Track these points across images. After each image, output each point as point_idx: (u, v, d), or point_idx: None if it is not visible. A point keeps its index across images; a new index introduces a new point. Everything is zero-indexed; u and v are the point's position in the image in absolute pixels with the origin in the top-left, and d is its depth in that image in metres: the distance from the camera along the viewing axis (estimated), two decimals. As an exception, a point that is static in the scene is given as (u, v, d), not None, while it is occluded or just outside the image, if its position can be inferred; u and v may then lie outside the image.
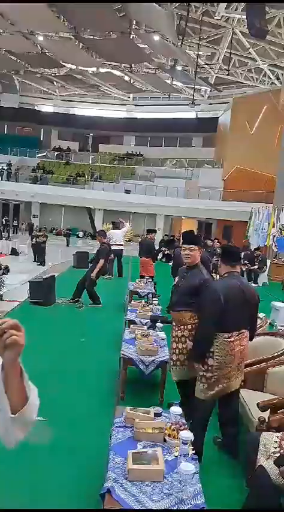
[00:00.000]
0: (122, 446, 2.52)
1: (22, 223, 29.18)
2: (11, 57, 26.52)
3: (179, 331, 3.72)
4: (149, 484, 2.19)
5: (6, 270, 10.93)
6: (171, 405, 3.04)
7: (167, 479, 2.24)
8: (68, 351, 6.00)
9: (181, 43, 21.50)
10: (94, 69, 27.99)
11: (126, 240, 19.10)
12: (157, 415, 2.90)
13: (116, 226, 12.73)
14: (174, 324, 3.83)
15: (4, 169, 29.83)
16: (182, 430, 2.60)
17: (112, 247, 10.71)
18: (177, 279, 3.78)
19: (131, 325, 5.42)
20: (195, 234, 4.24)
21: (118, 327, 7.04)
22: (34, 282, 8.77)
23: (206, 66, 26.20)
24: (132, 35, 22.04)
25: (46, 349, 6.04)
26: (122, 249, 11.86)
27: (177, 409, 2.83)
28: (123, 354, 4.36)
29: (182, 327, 3.70)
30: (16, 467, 3.21)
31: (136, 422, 2.69)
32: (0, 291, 10.51)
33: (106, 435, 3.56)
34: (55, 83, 32.39)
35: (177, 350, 3.73)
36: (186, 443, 2.37)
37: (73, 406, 4.32)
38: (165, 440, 2.62)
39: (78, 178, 29.78)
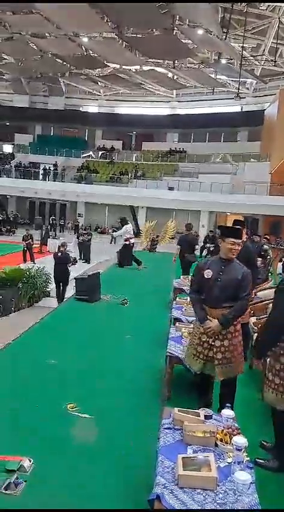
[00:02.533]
0: (171, 450, 2.39)
1: (68, 223, 29.82)
2: (57, 60, 27.15)
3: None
4: (201, 492, 2.05)
5: (75, 261, 11.28)
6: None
7: (220, 487, 2.09)
8: (113, 348, 5.95)
9: (226, 36, 21.00)
10: (137, 67, 28.02)
11: (170, 238, 19.00)
12: (207, 417, 2.74)
13: (125, 222, 12.94)
14: (209, 318, 3.60)
15: (51, 170, 30.63)
16: (235, 434, 2.44)
17: (132, 241, 11.96)
18: (207, 272, 3.51)
19: (177, 323, 5.28)
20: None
21: (163, 324, 6.92)
22: (79, 278, 8.85)
23: (251, 58, 25.45)
24: (175, 31, 21.80)
25: (92, 345, 6.04)
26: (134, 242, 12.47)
27: (229, 412, 2.66)
28: (169, 352, 4.23)
29: (216, 323, 3.50)
30: (61, 465, 3.18)
31: (185, 424, 2.55)
32: (48, 288, 10.74)
33: (152, 435, 3.45)
34: (99, 83, 32.79)
35: (222, 348, 3.51)
36: (240, 450, 2.21)
37: (118, 403, 4.25)
38: (216, 445, 2.47)
39: (122, 176, 29.96)
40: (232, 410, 3.20)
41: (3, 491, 2.77)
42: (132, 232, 12.44)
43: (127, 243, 12.11)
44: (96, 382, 4.74)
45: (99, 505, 2.76)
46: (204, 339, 3.51)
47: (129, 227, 12.52)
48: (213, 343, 3.47)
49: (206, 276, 3.47)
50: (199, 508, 1.94)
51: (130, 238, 12.17)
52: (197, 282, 3.67)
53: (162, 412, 3.17)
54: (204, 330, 3.49)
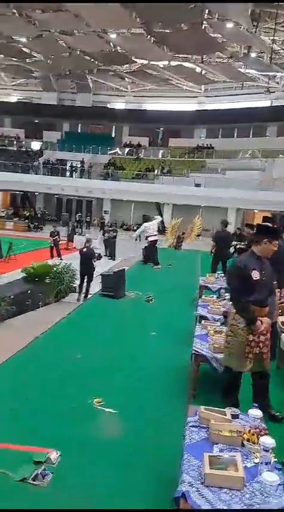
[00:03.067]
0: (197, 448, 2.39)
1: (94, 219, 30.05)
2: (85, 57, 27.33)
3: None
4: (227, 492, 2.03)
5: (100, 256, 11.43)
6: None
7: (247, 488, 2.07)
8: (138, 344, 5.98)
9: (256, 29, 20.58)
10: (165, 62, 27.86)
11: (196, 235, 18.86)
12: (234, 416, 2.72)
13: (147, 219, 12.87)
14: (259, 318, 3.56)
15: (78, 167, 30.92)
16: (262, 435, 2.40)
17: (150, 238, 11.74)
18: (254, 273, 3.47)
19: (202, 321, 5.25)
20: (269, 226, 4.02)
21: (188, 322, 6.89)
22: (105, 275, 8.92)
23: (282, 51, 24.82)
24: (204, 25, 21.54)
25: (117, 341, 6.09)
26: (156, 240, 12.23)
27: (256, 412, 2.63)
28: (195, 350, 4.21)
29: (269, 319, 3.61)
30: (87, 459, 3.22)
31: (212, 423, 2.54)
32: (74, 283, 10.86)
33: (177, 432, 3.45)
34: (126, 80, 32.81)
35: (266, 341, 3.57)
36: (268, 450, 2.18)
37: (143, 399, 4.27)
38: (243, 444, 2.44)
39: (148, 173, 29.92)
40: (270, 406, 3.21)
41: (31, 481, 2.84)
42: (154, 230, 12.19)
43: (146, 240, 11.97)
44: (120, 377, 4.78)
45: (125, 498, 2.78)
46: (250, 338, 3.51)
47: (147, 225, 12.43)
48: (258, 339, 3.51)
49: (254, 278, 3.44)
50: (226, 508, 1.93)
51: (149, 236, 12.00)
52: (241, 283, 3.53)
53: (187, 409, 3.16)
54: (254, 330, 3.47)
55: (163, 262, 12.61)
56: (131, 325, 6.92)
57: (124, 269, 9.30)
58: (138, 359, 5.39)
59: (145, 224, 12.50)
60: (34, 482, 2.83)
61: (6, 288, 8.77)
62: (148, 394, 4.39)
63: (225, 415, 2.70)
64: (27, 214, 28.09)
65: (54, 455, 3.11)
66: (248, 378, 3.74)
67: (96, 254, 10.62)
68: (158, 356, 5.54)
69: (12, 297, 7.95)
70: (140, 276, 10.83)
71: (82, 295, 9.63)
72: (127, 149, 34.54)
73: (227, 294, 6.50)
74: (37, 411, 3.88)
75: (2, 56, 28.88)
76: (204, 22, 21.20)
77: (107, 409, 3.91)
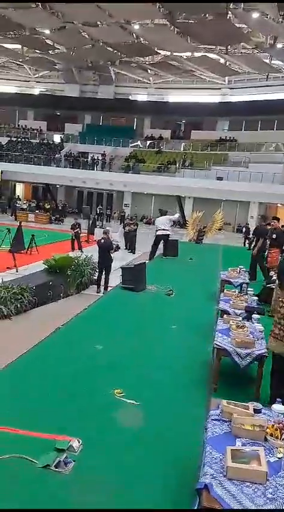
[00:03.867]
0: (219, 441, 2.38)
1: (114, 212, 30.12)
2: (108, 48, 27.23)
3: None
4: (250, 485, 2.03)
5: (117, 248, 11.51)
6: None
7: (270, 482, 2.06)
8: (158, 337, 5.99)
9: (283, 18, 20.05)
10: (188, 54, 27.49)
11: (217, 229, 18.70)
12: (256, 411, 2.70)
13: (163, 213, 12.83)
14: None
15: (99, 159, 30.98)
16: (286, 431, 2.38)
17: (158, 232, 11.73)
18: None
19: (224, 315, 5.21)
20: None
21: (208, 316, 6.87)
22: (126, 268, 8.95)
23: (310, 41, 24.14)
24: (228, 15, 21.12)
25: (137, 333, 6.11)
26: (168, 234, 12.15)
27: (279, 407, 2.60)
28: (216, 345, 4.19)
29: None
30: (109, 448, 3.26)
31: (234, 417, 2.53)
32: (94, 276, 10.95)
33: (197, 425, 3.46)
34: (149, 71, 32.56)
35: None
36: (292, 447, 2.15)
37: (163, 392, 4.29)
38: (266, 439, 2.42)
39: (169, 166, 29.73)
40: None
41: (54, 468, 2.89)
42: (162, 224, 12.04)
43: (158, 233, 11.92)
44: (141, 369, 4.80)
45: (146, 488, 2.81)
46: None
47: (160, 219, 12.36)
48: None
49: None
50: (248, 500, 1.92)
51: (158, 229, 11.91)
52: None
53: (209, 403, 3.16)
54: None
55: (183, 256, 12.56)
56: (151, 318, 6.94)
57: (145, 262, 9.30)
58: (158, 351, 5.41)
59: (158, 219, 12.50)
60: (56, 469, 2.89)
61: (28, 279, 8.91)
62: (169, 386, 4.41)
63: (248, 409, 2.69)
64: (49, 206, 28.36)
65: (76, 443, 3.16)
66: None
67: (113, 245, 10.69)
68: (178, 349, 5.55)
69: (34, 288, 8.08)
70: (161, 270, 10.83)
71: (102, 287, 9.70)
72: (148, 142, 34.37)
73: (251, 290, 6.46)
74: (59, 400, 3.95)
75: (25, 48, 29.06)
76: (229, 12, 20.77)
77: (128, 400, 3.94)
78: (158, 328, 6.40)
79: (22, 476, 2.84)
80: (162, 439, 3.43)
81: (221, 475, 2.10)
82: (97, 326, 6.42)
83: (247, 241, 18.55)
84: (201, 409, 3.87)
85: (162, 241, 12.16)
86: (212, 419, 2.64)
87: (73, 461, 2.98)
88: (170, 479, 2.94)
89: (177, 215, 14.40)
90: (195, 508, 2.24)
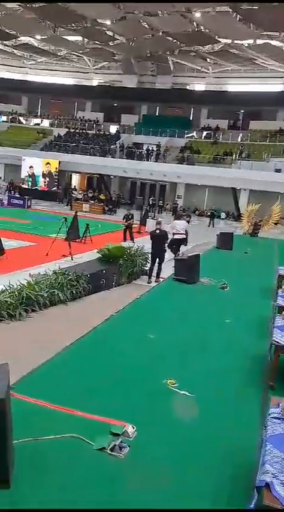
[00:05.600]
0: (280, 440, 2.31)
1: (167, 204, 30.00)
2: (167, 38, 26.96)
3: None
4: None
5: (185, 240, 11.70)
6: None
7: None
8: (212, 330, 5.91)
9: None
10: (250, 41, 26.55)
11: (273, 223, 18.06)
12: None
13: (178, 217, 12.61)
14: None
15: (153, 150, 30.91)
16: None
17: (176, 236, 11.19)
18: None
19: (283, 312, 5.03)
20: None
21: (264, 311, 6.67)
22: (179, 259, 8.89)
23: None
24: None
25: (190, 325, 6.07)
26: (183, 238, 11.64)
27: None
28: (275, 341, 4.06)
29: None
30: (162, 436, 3.27)
31: (297, 417, 2.43)
32: (146, 266, 11.00)
33: (251, 421, 3.39)
34: (208, 60, 31.88)
35: None
36: None
37: (217, 385, 4.23)
38: None
39: (225, 157, 29.02)
40: None
41: (109, 452, 2.95)
42: (181, 229, 11.47)
43: (176, 236, 11.34)
44: (194, 361, 4.77)
45: (198, 477, 2.79)
46: None
47: (180, 222, 11.94)
48: None
49: None
50: None
51: (176, 233, 11.37)
52: None
53: (265, 400, 3.08)
54: None
55: (238, 249, 12.28)
56: (204, 310, 6.85)
57: (198, 254, 9.18)
58: (211, 345, 5.34)
59: (175, 221, 12.15)
60: (112, 453, 2.94)
61: (83, 267, 9.12)
62: (222, 380, 4.34)
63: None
64: (103, 197, 28.81)
65: (130, 429, 3.21)
66: None
67: (168, 236, 10.68)
68: (232, 343, 5.44)
69: (88, 275, 8.26)
70: (214, 262, 10.66)
71: (153, 277, 9.72)
72: (205, 132, 33.75)
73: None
74: (113, 385, 4.02)
75: (86, 40, 29.52)
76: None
77: (182, 391, 3.93)
78: (212, 321, 6.32)
79: (79, 456, 2.92)
80: (215, 432, 3.39)
81: (282, 474, 2.03)
82: (149, 316, 6.45)
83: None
84: (254, 406, 3.79)
85: (174, 246, 11.70)
86: (272, 418, 2.56)
87: (128, 446, 3.02)
88: (225, 473, 2.90)
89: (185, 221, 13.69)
90: (252, 505, 2.19)
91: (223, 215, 27.66)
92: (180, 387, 4.01)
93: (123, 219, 15.80)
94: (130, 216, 15.63)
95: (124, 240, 15.00)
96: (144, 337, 5.32)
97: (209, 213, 24.59)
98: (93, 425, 3.26)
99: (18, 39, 31.52)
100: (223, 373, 4.50)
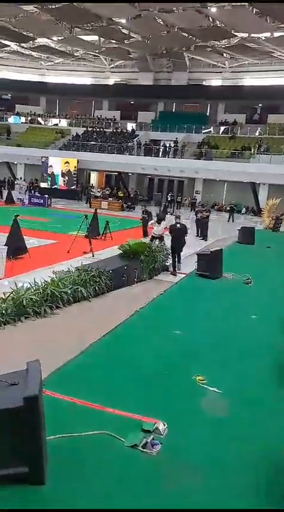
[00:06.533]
0: None
1: (185, 199, 29.82)
2: (183, 34, 26.73)
3: None
4: None
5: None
6: None
7: None
8: (238, 326, 5.80)
9: None
10: (267, 34, 26.09)
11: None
12: None
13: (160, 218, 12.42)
14: None
15: (171, 146, 30.76)
16: None
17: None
18: None
19: None
20: None
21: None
22: (202, 254, 8.78)
23: None
24: None
25: (215, 320, 5.97)
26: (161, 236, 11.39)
27: None
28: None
29: None
30: (193, 434, 3.21)
31: None
32: (167, 262, 10.93)
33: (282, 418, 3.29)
34: (224, 55, 31.49)
35: None
36: None
37: (246, 382, 4.14)
38: None
39: (243, 152, 28.64)
40: None
41: (141, 449, 2.90)
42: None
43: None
44: (222, 358, 4.68)
45: (232, 478, 2.71)
46: None
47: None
48: None
49: None
50: None
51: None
52: None
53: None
54: None
55: (260, 244, 12.08)
56: (229, 306, 6.75)
57: (221, 249, 9.05)
58: (238, 341, 5.24)
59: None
60: (144, 450, 2.90)
61: (104, 263, 9.10)
62: (251, 378, 4.26)
63: None
64: (121, 195, 28.85)
65: (161, 426, 3.16)
66: None
67: (187, 229, 10.61)
68: (260, 340, 5.34)
69: (110, 272, 8.23)
70: (237, 257, 10.51)
71: (176, 270, 9.65)
72: (222, 127, 33.39)
73: None
74: (142, 382, 3.97)
75: (102, 39, 29.53)
76: None
77: (211, 388, 3.85)
78: (237, 317, 6.21)
79: (110, 452, 2.89)
80: (246, 430, 3.32)
81: None
82: (174, 311, 6.39)
83: None
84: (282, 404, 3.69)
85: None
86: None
87: (160, 443, 2.97)
88: (259, 473, 2.81)
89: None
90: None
91: (243, 210, 27.32)
92: (209, 384, 3.94)
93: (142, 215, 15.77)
94: (144, 212, 15.58)
95: (144, 235, 14.95)
96: (170, 333, 5.26)
97: (228, 208, 24.32)
98: (123, 421, 3.23)
99: (35, 41, 31.73)
100: (251, 371, 4.41)
